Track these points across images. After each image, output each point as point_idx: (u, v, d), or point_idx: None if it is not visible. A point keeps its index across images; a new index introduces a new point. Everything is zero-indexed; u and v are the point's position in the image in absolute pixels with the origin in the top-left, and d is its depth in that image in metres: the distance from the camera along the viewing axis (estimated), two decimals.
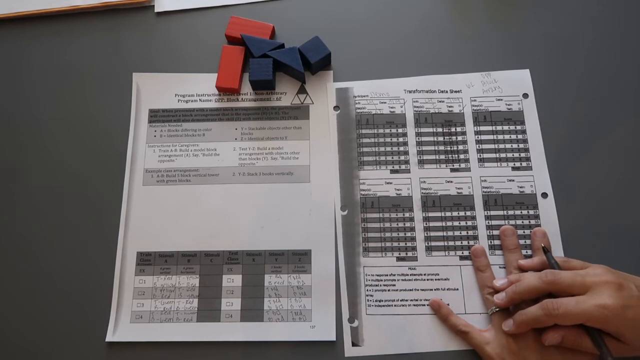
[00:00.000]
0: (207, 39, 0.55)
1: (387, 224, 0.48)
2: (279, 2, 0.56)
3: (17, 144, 0.53)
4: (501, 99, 0.51)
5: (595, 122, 0.50)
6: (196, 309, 0.47)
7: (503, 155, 0.50)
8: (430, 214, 0.48)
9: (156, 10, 0.57)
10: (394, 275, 0.47)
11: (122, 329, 0.46)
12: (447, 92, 0.52)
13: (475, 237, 0.47)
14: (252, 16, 0.55)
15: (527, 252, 0.46)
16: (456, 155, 0.50)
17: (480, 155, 0.50)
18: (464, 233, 0.48)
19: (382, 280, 0.47)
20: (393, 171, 0.50)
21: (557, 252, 0.46)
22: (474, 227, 0.48)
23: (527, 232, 0.47)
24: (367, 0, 0.56)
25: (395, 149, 0.51)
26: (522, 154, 0.50)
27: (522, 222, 0.48)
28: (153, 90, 0.54)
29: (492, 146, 0.50)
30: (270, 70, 0.51)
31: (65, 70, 0.55)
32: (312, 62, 0.51)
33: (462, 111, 0.51)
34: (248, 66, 0.53)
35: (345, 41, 0.54)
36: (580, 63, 0.52)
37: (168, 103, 0.53)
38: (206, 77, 0.54)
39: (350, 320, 0.46)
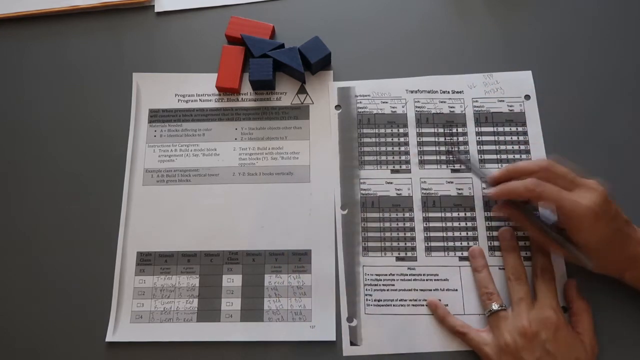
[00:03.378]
0: (207, 39, 0.55)
1: (387, 224, 0.48)
2: (279, 2, 0.56)
3: (17, 144, 0.53)
4: (503, 100, 0.51)
5: (597, 124, 0.50)
6: (196, 309, 0.47)
7: (504, 156, 0.50)
8: (431, 214, 0.48)
9: (156, 10, 0.57)
10: (393, 275, 0.47)
11: (122, 329, 0.46)
12: (448, 92, 0.52)
13: (475, 238, 0.47)
14: (252, 16, 0.54)
15: (526, 253, 0.46)
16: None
17: (481, 157, 0.50)
18: (463, 234, 0.48)
19: (381, 280, 0.47)
20: (394, 171, 0.50)
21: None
22: (474, 228, 0.48)
23: (527, 233, 0.47)
24: (367, 0, 0.56)
25: (396, 149, 0.51)
26: (524, 156, 0.49)
27: None
28: (153, 90, 0.54)
29: (493, 147, 0.50)
30: (270, 70, 0.51)
31: (65, 70, 0.55)
32: (312, 62, 0.51)
33: (463, 112, 0.51)
34: (248, 66, 0.53)
35: (345, 41, 0.54)
36: (582, 65, 0.52)
37: (168, 103, 0.53)
38: (206, 77, 0.54)
39: (349, 320, 0.46)
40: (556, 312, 0.41)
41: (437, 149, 0.50)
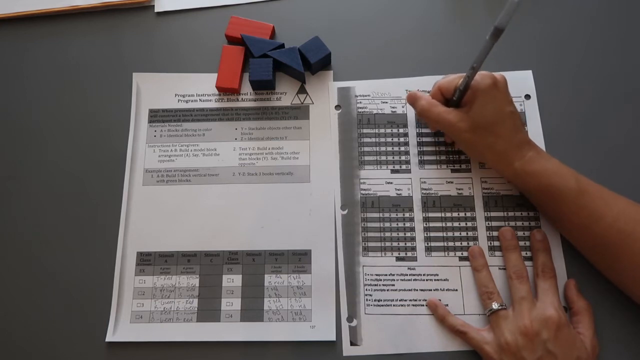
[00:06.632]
0: (207, 39, 0.55)
1: (387, 224, 0.48)
2: (279, 2, 0.56)
3: (17, 143, 0.53)
4: None
5: (598, 123, 0.50)
6: (196, 309, 0.47)
7: None
8: (430, 215, 0.48)
9: (156, 10, 0.57)
10: (393, 275, 0.47)
11: (122, 329, 0.46)
12: None
13: (475, 238, 0.47)
14: (252, 16, 0.55)
15: (526, 253, 0.46)
16: (457, 156, 0.50)
17: None
18: (463, 234, 0.48)
19: (381, 280, 0.47)
20: (394, 171, 0.50)
21: (558, 254, 0.46)
22: (474, 228, 0.48)
23: (527, 233, 0.47)
24: (367, 0, 0.56)
25: (396, 149, 0.51)
26: None
27: (522, 223, 0.47)
28: (153, 90, 0.54)
29: None
30: (270, 70, 0.51)
31: (65, 70, 0.55)
32: (312, 62, 0.51)
33: None
34: (248, 66, 0.53)
35: (345, 41, 0.54)
36: (582, 64, 0.52)
37: (168, 103, 0.53)
38: (206, 77, 0.54)
39: (349, 320, 0.46)
40: (558, 312, 0.41)
41: (437, 149, 0.50)
